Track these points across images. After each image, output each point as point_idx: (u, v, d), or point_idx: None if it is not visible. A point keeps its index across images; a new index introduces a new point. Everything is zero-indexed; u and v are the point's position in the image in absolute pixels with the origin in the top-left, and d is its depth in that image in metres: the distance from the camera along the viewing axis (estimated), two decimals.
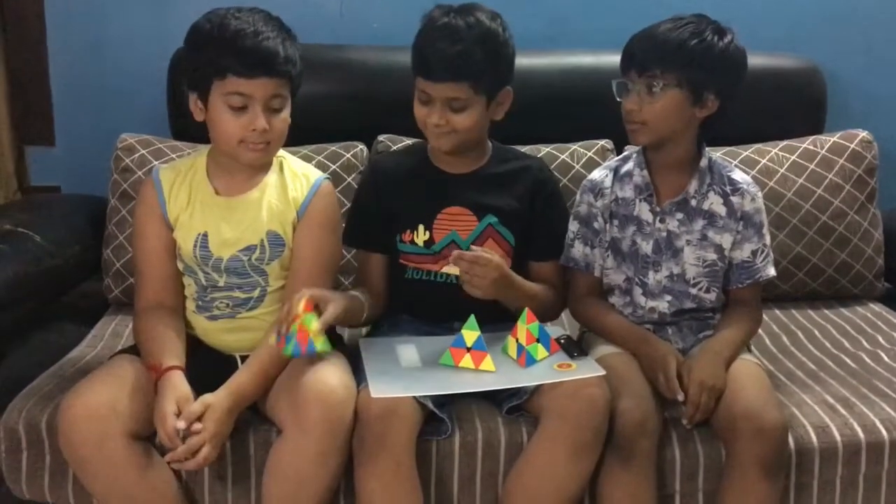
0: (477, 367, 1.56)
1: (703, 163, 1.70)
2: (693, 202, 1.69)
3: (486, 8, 1.65)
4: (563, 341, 1.65)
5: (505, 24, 1.65)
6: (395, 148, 2.09)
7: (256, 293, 1.64)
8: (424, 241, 1.70)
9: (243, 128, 1.55)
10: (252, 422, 1.57)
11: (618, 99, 1.65)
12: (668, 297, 1.70)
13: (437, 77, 1.60)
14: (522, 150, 1.87)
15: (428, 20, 1.65)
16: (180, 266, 1.65)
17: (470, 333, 1.56)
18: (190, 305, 1.66)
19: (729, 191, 1.70)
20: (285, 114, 1.59)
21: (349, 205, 1.84)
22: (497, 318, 1.67)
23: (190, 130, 1.98)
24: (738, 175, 1.73)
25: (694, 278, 1.70)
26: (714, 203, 1.69)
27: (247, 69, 1.52)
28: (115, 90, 2.36)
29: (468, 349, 1.56)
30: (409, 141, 2.07)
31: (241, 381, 1.52)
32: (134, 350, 1.60)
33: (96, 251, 2.08)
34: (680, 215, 1.69)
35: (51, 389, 1.63)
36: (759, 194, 1.73)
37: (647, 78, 1.59)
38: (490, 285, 1.57)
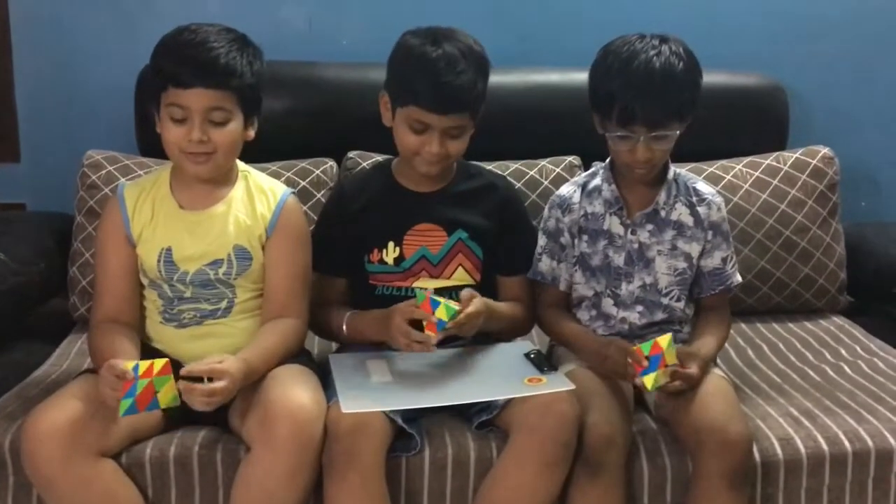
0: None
1: (670, 174, 1.73)
2: (662, 213, 1.72)
3: (460, 30, 1.67)
4: (532, 356, 1.66)
5: (481, 44, 1.68)
6: (360, 167, 2.09)
7: (224, 304, 1.63)
8: (394, 259, 1.71)
9: (181, 138, 1.55)
10: (220, 439, 1.56)
11: (618, 149, 1.64)
12: (640, 308, 1.73)
13: (443, 110, 1.60)
14: (487, 167, 1.89)
15: (410, 49, 1.63)
16: (144, 281, 1.65)
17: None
18: (156, 318, 1.65)
19: (695, 201, 1.73)
20: (231, 127, 1.57)
21: (314, 226, 1.82)
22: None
23: (157, 147, 1.96)
24: (702, 186, 1.77)
25: (666, 287, 1.72)
26: (682, 214, 1.73)
27: (181, 80, 1.52)
28: (82, 106, 2.35)
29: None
30: (379, 157, 2.07)
31: (247, 355, 1.52)
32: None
33: (62, 269, 2.07)
34: (650, 226, 1.72)
35: (15, 409, 1.61)
36: (723, 203, 1.77)
37: (658, 131, 1.60)
38: (476, 327, 1.60)
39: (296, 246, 1.66)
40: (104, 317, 1.61)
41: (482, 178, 1.79)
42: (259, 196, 1.66)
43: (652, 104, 1.59)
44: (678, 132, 1.64)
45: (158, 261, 1.61)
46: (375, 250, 1.72)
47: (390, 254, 1.71)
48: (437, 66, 1.59)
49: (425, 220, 1.72)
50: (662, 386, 1.55)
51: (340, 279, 1.75)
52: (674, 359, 1.54)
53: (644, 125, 1.60)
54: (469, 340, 1.70)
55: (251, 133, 1.63)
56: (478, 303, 1.59)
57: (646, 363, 1.53)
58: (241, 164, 1.68)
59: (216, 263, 1.62)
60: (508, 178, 1.97)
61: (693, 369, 1.57)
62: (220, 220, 1.63)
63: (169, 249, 1.61)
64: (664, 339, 1.53)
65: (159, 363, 1.41)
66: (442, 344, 1.70)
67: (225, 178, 1.65)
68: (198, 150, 1.56)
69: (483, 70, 1.65)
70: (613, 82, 1.61)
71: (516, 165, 2.16)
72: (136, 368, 1.40)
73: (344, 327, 1.68)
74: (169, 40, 1.57)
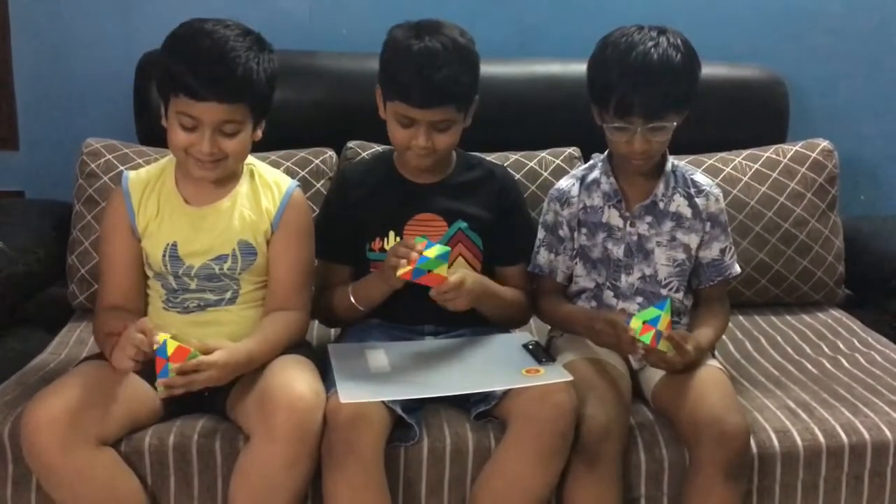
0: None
1: (668, 166, 1.73)
2: (661, 205, 1.72)
3: (449, 23, 1.66)
4: (531, 347, 1.67)
5: (471, 36, 1.67)
6: (361, 157, 2.09)
7: (228, 295, 1.63)
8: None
9: (190, 145, 1.53)
10: (219, 428, 1.56)
11: (615, 140, 1.65)
12: (640, 299, 1.73)
13: (425, 104, 1.60)
14: (487, 158, 1.89)
15: (395, 43, 1.63)
16: (149, 273, 1.65)
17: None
18: (159, 304, 1.65)
19: (693, 192, 1.74)
20: (241, 136, 1.55)
21: (317, 213, 1.83)
22: (468, 322, 1.70)
23: (156, 135, 1.96)
24: (700, 177, 1.77)
25: (665, 279, 1.73)
26: (680, 205, 1.73)
27: (195, 92, 1.49)
28: (80, 94, 2.34)
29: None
30: (378, 147, 2.07)
31: (251, 346, 1.52)
32: (99, 357, 1.58)
33: (61, 257, 2.06)
34: (649, 218, 1.72)
35: (14, 397, 1.61)
36: (721, 194, 1.77)
37: (655, 122, 1.61)
38: (466, 301, 1.59)
39: (300, 240, 1.66)
40: (109, 305, 1.62)
41: (481, 169, 1.80)
42: (264, 190, 1.65)
43: (649, 96, 1.59)
44: (675, 124, 1.64)
45: (164, 255, 1.61)
46: (377, 239, 1.72)
47: (391, 243, 1.71)
48: (417, 60, 1.59)
49: (425, 210, 1.73)
50: (654, 353, 1.56)
51: (344, 267, 1.76)
52: (667, 325, 1.54)
53: (641, 116, 1.60)
54: (469, 331, 1.71)
55: (259, 133, 1.61)
56: (466, 276, 1.59)
57: (632, 332, 1.54)
58: (247, 158, 1.67)
59: (221, 258, 1.62)
60: (507, 168, 1.97)
61: (688, 346, 1.58)
62: (225, 216, 1.62)
63: (174, 244, 1.61)
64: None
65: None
66: (441, 334, 1.72)
67: (231, 175, 1.64)
68: (207, 159, 1.54)
69: (468, 63, 1.63)
70: (611, 73, 1.62)
71: (516, 157, 2.16)
72: (164, 348, 1.41)
73: (351, 297, 1.69)
74: (183, 43, 1.53)
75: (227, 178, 1.63)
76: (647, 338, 1.54)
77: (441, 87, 1.59)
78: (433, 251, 1.53)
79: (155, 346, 1.42)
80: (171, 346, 1.42)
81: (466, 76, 1.63)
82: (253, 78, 1.52)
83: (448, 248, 1.55)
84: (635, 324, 1.55)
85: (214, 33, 1.52)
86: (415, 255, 1.53)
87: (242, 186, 1.65)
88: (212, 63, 1.49)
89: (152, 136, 2.13)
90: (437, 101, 1.60)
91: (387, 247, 1.71)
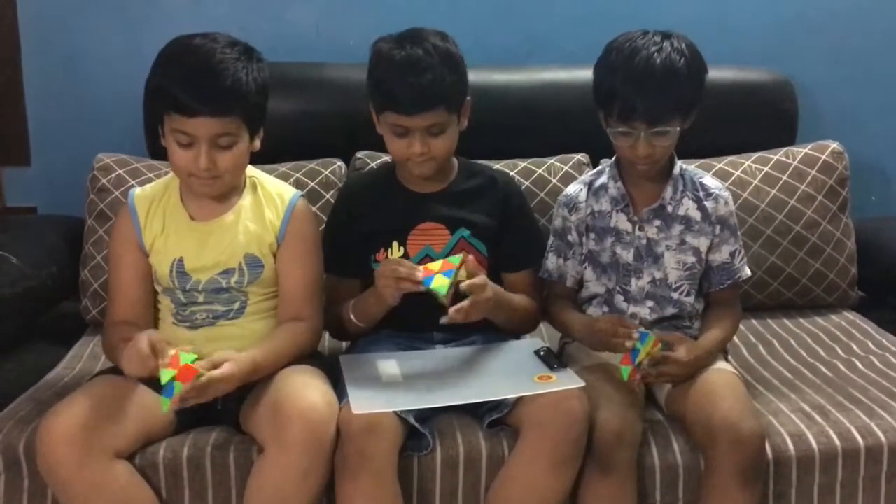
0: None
1: (676, 170, 1.73)
2: (669, 208, 1.72)
3: (431, 30, 1.68)
4: (542, 353, 1.67)
5: (454, 40, 1.68)
6: (367, 169, 2.10)
7: (237, 306, 1.64)
8: (399, 258, 1.71)
9: (189, 163, 1.54)
10: (232, 440, 1.57)
11: (620, 145, 1.66)
12: (650, 303, 1.73)
13: (413, 111, 1.61)
14: (496, 165, 1.89)
15: (380, 55, 1.66)
16: (158, 288, 1.66)
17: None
18: (168, 319, 1.65)
19: (702, 195, 1.74)
20: (237, 149, 1.56)
21: (323, 227, 1.83)
22: (477, 329, 1.70)
23: (166, 150, 1.98)
24: (709, 180, 1.77)
25: (676, 282, 1.73)
26: (689, 208, 1.73)
27: (186, 108, 1.49)
28: (91, 110, 2.35)
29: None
30: (387, 157, 2.08)
31: (255, 355, 1.52)
32: (112, 371, 1.59)
33: (73, 272, 2.07)
34: (658, 222, 1.72)
35: (28, 412, 1.62)
36: (731, 197, 1.77)
37: (658, 127, 1.61)
38: (486, 308, 1.59)
39: (307, 251, 1.66)
40: (118, 320, 1.63)
41: (484, 176, 1.80)
42: (268, 202, 1.66)
43: (652, 100, 1.59)
44: (679, 128, 1.64)
45: (171, 271, 1.62)
46: (381, 250, 1.73)
47: (395, 253, 1.72)
48: (400, 68, 1.61)
49: (428, 219, 1.73)
50: (649, 373, 1.58)
51: (353, 280, 1.76)
52: (647, 352, 1.56)
53: (644, 121, 1.60)
54: (480, 339, 1.71)
55: (257, 144, 1.62)
56: (483, 278, 1.59)
57: (633, 341, 1.56)
58: (249, 170, 1.68)
59: (228, 272, 1.62)
60: (513, 174, 1.97)
61: (680, 352, 1.59)
62: (230, 230, 1.63)
63: (181, 260, 1.62)
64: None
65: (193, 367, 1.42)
66: (452, 342, 1.72)
67: (234, 188, 1.65)
68: (207, 175, 1.55)
69: (451, 64, 1.64)
70: (615, 78, 1.62)
71: (525, 164, 2.16)
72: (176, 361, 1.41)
73: (351, 315, 1.69)
74: (171, 59, 1.54)
75: (229, 191, 1.64)
76: (628, 370, 1.57)
77: (427, 90, 1.60)
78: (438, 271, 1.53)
79: (165, 360, 1.41)
80: (186, 359, 1.41)
81: (451, 77, 1.63)
82: (243, 89, 1.52)
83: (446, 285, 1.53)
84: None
85: (201, 47, 1.52)
86: (418, 275, 1.53)
87: (245, 199, 1.65)
88: (199, 77, 1.50)
89: (162, 150, 2.12)
90: (426, 106, 1.61)
91: (391, 257, 1.71)
